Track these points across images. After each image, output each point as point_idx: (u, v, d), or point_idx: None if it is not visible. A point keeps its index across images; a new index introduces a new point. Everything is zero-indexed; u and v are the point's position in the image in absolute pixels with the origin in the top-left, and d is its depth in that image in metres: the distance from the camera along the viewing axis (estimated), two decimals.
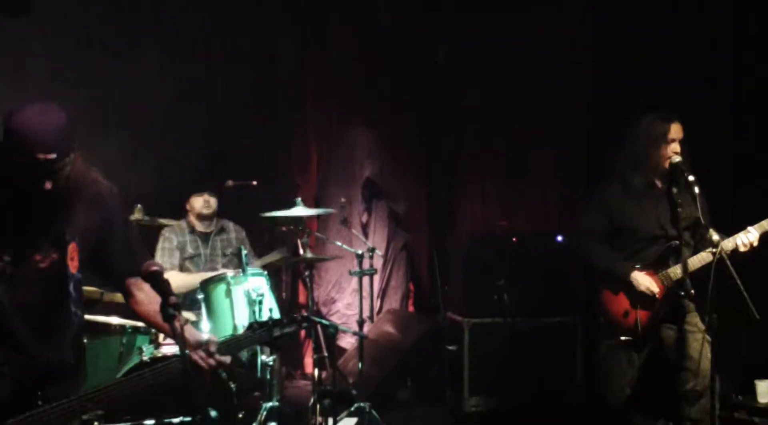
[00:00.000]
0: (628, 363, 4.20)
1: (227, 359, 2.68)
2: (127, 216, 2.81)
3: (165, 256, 5.26)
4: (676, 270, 4.05)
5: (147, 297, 2.75)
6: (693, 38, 5.68)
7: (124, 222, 2.78)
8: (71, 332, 2.57)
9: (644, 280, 4.09)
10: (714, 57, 5.61)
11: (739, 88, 5.53)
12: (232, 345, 2.81)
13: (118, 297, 4.33)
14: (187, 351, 2.48)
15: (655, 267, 4.12)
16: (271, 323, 2.89)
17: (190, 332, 2.68)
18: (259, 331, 2.87)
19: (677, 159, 4.07)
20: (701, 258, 3.98)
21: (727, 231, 3.94)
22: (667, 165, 4.11)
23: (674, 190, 4.13)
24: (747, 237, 3.91)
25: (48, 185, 2.38)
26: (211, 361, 2.63)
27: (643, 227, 4.17)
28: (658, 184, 4.21)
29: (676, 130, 4.13)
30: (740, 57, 5.53)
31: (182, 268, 5.29)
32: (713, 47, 5.61)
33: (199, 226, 5.40)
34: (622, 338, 4.15)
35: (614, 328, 4.20)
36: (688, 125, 4.18)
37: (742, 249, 3.90)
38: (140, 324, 4.69)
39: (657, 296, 4.07)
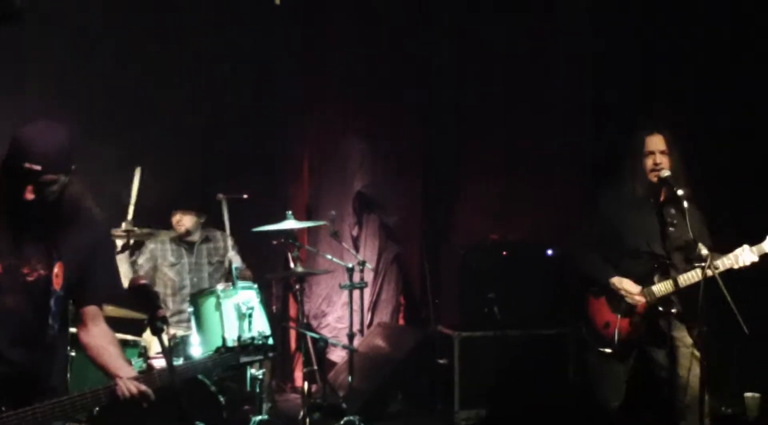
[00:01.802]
0: (618, 374, 4.16)
1: (149, 390, 2.65)
2: (113, 248, 2.88)
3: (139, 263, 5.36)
4: (660, 288, 4.00)
5: (101, 332, 2.79)
6: (693, 38, 5.67)
7: (109, 253, 2.86)
8: (46, 344, 2.63)
9: (623, 284, 4.05)
10: (714, 57, 5.60)
11: (739, 87, 5.50)
12: (195, 367, 2.90)
13: (108, 310, 4.33)
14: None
15: (639, 282, 4.06)
16: (238, 349, 2.92)
17: (121, 366, 2.71)
18: (225, 356, 2.88)
19: (666, 173, 3.97)
20: (689, 277, 3.90)
21: (728, 242, 3.89)
22: (654, 178, 4.04)
23: (671, 209, 4.04)
24: (744, 259, 3.82)
25: (29, 195, 2.46)
26: (133, 389, 2.62)
27: (630, 241, 4.11)
28: (651, 198, 4.12)
29: (652, 143, 4.06)
30: (740, 57, 5.52)
31: (164, 277, 5.38)
32: (713, 47, 5.60)
33: (183, 237, 5.47)
34: (600, 349, 4.13)
35: (595, 339, 4.17)
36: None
37: (736, 267, 3.83)
38: (129, 337, 4.69)
39: (637, 306, 4.02)
